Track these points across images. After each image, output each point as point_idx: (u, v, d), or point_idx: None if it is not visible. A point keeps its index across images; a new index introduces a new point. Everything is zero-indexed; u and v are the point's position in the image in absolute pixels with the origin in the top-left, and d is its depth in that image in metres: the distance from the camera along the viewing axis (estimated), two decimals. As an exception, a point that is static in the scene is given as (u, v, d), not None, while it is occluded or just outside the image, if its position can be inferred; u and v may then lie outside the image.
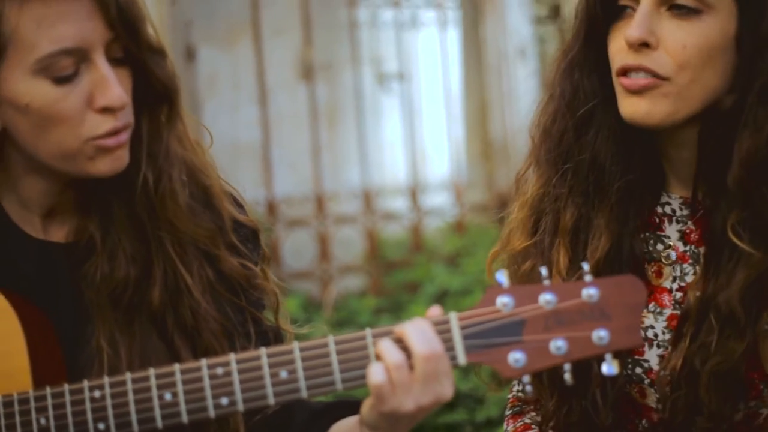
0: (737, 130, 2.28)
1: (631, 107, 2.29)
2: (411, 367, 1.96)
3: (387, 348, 1.97)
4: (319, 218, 6.57)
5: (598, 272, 2.38)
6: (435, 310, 2.01)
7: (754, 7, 2.27)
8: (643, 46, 2.25)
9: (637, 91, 2.27)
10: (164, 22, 5.30)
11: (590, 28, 2.36)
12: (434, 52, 7.56)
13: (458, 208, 7.38)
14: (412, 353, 1.95)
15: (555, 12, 6.90)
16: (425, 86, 7.70)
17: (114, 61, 2.12)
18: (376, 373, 1.96)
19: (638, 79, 2.27)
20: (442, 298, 6.56)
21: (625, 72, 2.28)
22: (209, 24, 6.81)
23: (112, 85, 2.08)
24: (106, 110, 2.09)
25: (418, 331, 1.96)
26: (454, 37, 7.50)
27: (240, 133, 7.03)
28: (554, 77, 2.45)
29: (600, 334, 1.94)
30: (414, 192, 7.13)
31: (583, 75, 2.40)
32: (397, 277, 6.85)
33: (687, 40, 2.25)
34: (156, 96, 2.20)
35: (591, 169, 2.41)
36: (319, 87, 6.71)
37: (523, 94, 7.15)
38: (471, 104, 7.34)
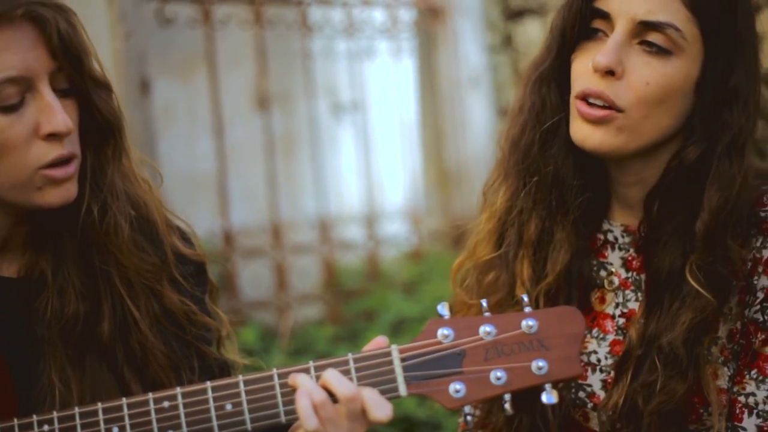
0: (701, 181, 2.33)
1: (582, 134, 2.34)
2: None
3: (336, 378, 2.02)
4: (276, 248, 6.57)
5: (556, 287, 2.43)
6: (380, 341, 2.06)
7: (724, 58, 2.32)
8: (609, 73, 2.30)
9: (592, 121, 2.31)
10: (119, 55, 5.31)
11: (561, 43, 2.40)
12: (389, 82, 7.59)
13: (415, 236, 7.41)
14: (336, 396, 2.00)
15: (507, 41, 6.96)
16: (380, 115, 7.72)
17: (60, 92, 2.16)
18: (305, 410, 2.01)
19: (594, 110, 2.31)
20: (399, 325, 6.57)
21: (584, 96, 2.32)
22: (164, 56, 6.81)
23: (57, 112, 2.11)
24: (52, 137, 2.12)
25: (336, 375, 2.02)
26: (408, 66, 7.53)
27: (196, 164, 7.03)
28: (525, 89, 2.50)
29: (539, 365, 1.98)
30: (370, 221, 7.15)
31: (550, 89, 2.44)
32: (355, 306, 6.86)
33: (651, 77, 2.29)
34: (101, 130, 2.23)
35: (554, 182, 2.46)
36: (274, 117, 6.73)
37: (477, 122, 7.19)
38: (426, 133, 7.38)
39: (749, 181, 2.34)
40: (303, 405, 1.99)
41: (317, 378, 2.02)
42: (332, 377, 2.01)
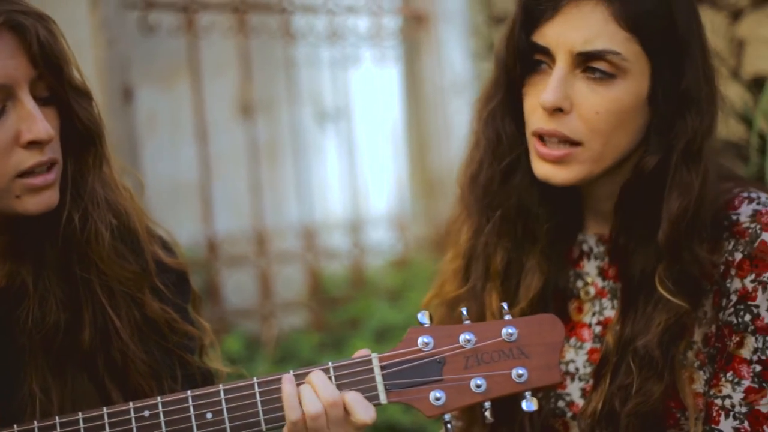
0: (662, 189, 2.33)
1: (545, 173, 2.34)
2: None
3: (307, 395, 2.02)
4: (260, 256, 6.57)
5: (530, 311, 2.44)
6: (363, 353, 2.07)
7: (671, 67, 2.32)
8: (557, 110, 2.30)
9: (553, 161, 2.32)
10: (102, 63, 5.30)
11: (508, 78, 2.40)
12: (373, 89, 7.59)
13: (400, 243, 7.41)
14: (320, 398, 2.01)
15: (492, 48, 6.96)
16: (365, 123, 7.73)
17: (40, 100, 2.16)
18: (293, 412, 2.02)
19: (553, 151, 2.31)
20: (384, 333, 6.57)
21: (539, 136, 2.33)
22: (147, 64, 6.81)
23: (38, 120, 2.12)
24: (33, 144, 2.12)
25: (323, 378, 2.02)
26: (393, 73, 7.53)
27: (179, 172, 7.03)
28: (478, 126, 2.50)
29: (519, 372, 1.99)
30: (355, 228, 7.15)
31: (504, 124, 2.44)
32: (339, 314, 6.86)
33: (600, 105, 2.29)
34: (81, 138, 2.24)
35: (519, 214, 2.46)
36: (258, 125, 6.73)
37: (462, 129, 7.19)
38: (411, 140, 7.38)
39: (712, 185, 2.34)
40: (289, 395, 2.01)
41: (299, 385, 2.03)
42: (317, 380, 2.02)
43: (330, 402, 2.00)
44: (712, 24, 4.45)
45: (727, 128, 4.07)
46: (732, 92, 4.31)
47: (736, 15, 4.50)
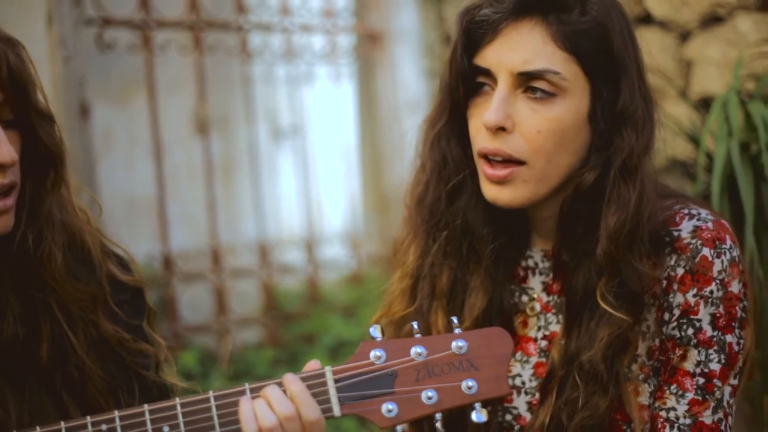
0: (600, 205, 2.37)
1: (492, 194, 2.38)
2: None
3: (261, 410, 2.05)
4: (216, 272, 6.57)
5: (475, 328, 2.47)
6: (313, 364, 2.10)
7: (608, 86, 2.36)
8: (500, 129, 2.34)
9: (498, 182, 2.36)
10: (58, 80, 5.30)
11: (452, 101, 2.44)
12: (328, 107, 7.62)
13: (354, 259, 7.44)
14: (275, 412, 2.04)
15: (445, 66, 6.99)
16: (320, 140, 7.76)
17: (3, 123, 2.17)
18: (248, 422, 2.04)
19: (497, 171, 2.35)
20: (338, 348, 6.59)
21: (484, 156, 2.37)
22: (103, 81, 6.81)
23: (2, 143, 2.13)
24: (-5, 167, 2.14)
25: (278, 393, 2.05)
26: (347, 91, 7.57)
27: (135, 189, 7.03)
28: (423, 148, 2.53)
29: (469, 384, 2.03)
30: (310, 244, 7.17)
31: (450, 146, 2.47)
32: (294, 329, 6.86)
33: (541, 125, 2.33)
34: (42, 161, 2.25)
35: (464, 234, 2.50)
36: (214, 142, 6.73)
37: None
38: (365, 157, 7.41)
39: (650, 201, 2.38)
40: (245, 409, 2.04)
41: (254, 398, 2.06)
42: (272, 395, 2.05)
43: (286, 416, 2.03)
44: (661, 45, 4.52)
45: (675, 147, 4.14)
46: (680, 112, 4.37)
47: (684, 36, 4.55)
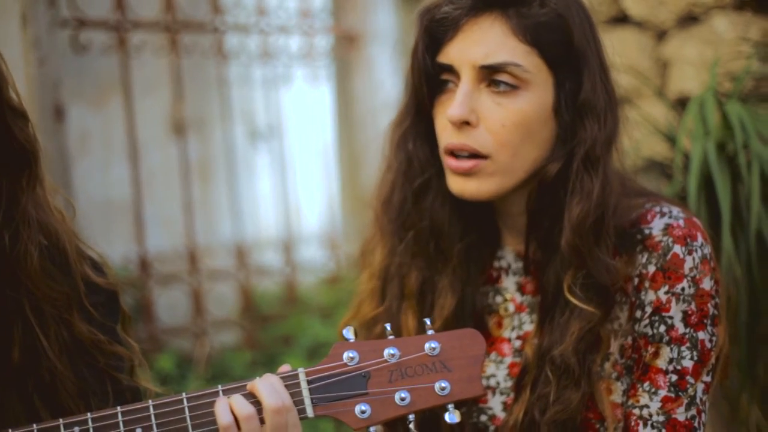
0: (565, 196, 2.38)
1: (457, 186, 2.39)
2: (262, 421, 2.04)
3: (238, 401, 2.05)
4: (193, 274, 6.56)
5: (445, 329, 2.48)
6: (285, 367, 2.10)
7: (571, 78, 2.37)
8: (465, 124, 2.34)
9: (463, 174, 2.36)
10: (33, 82, 5.27)
11: (417, 101, 2.44)
12: (305, 108, 7.62)
13: (332, 261, 7.43)
14: (263, 406, 2.03)
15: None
16: (297, 141, 7.75)
17: (-23, 120, 2.16)
18: (223, 417, 2.04)
19: (462, 163, 2.36)
20: (316, 350, 6.58)
21: (450, 152, 2.37)
22: (79, 83, 6.79)
23: (-26, 141, 2.12)
24: (-31, 166, 2.13)
25: (268, 386, 2.04)
26: (325, 92, 7.56)
27: (111, 191, 7.00)
28: (389, 149, 2.53)
29: (442, 385, 2.03)
30: (287, 246, 7.16)
31: (416, 146, 2.48)
32: (272, 331, 6.86)
33: (506, 118, 2.34)
34: (16, 159, 2.24)
35: (431, 234, 2.50)
36: (190, 143, 6.72)
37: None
38: (343, 158, 7.41)
39: (615, 193, 2.39)
40: (220, 403, 2.04)
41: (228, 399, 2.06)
42: (262, 387, 2.05)
43: (244, 416, 2.03)
44: (638, 44, 4.53)
45: (652, 147, 4.15)
46: (657, 112, 4.38)
47: (660, 36, 4.57)
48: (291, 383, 2.06)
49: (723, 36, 4.36)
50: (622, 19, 4.64)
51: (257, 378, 2.06)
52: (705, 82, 4.22)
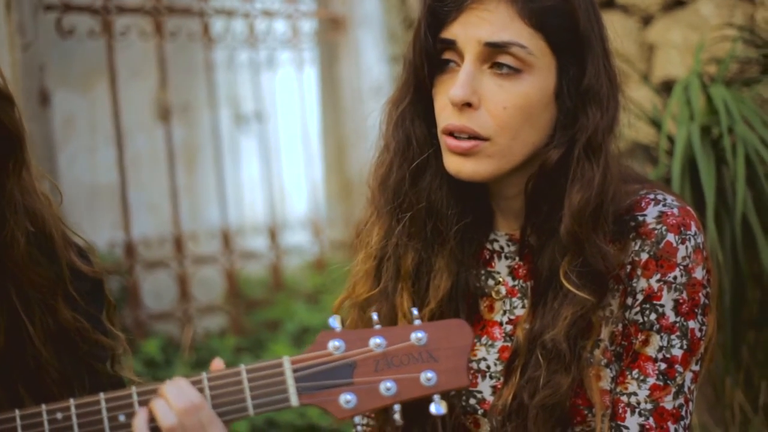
0: (565, 183, 2.37)
1: (455, 166, 2.38)
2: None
3: (159, 407, 2.05)
4: (178, 259, 6.55)
5: (440, 311, 2.47)
6: (217, 364, 2.09)
7: (575, 64, 2.36)
8: (466, 105, 2.33)
9: (461, 153, 2.35)
10: (17, 67, 5.25)
11: (417, 80, 2.43)
12: (291, 92, 7.60)
13: (318, 245, 7.43)
14: (172, 409, 2.03)
15: (408, 52, 6.98)
16: (283, 126, 7.74)
17: (-39, 105, 2.16)
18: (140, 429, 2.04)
19: (461, 143, 2.35)
20: (302, 335, 6.59)
21: (449, 133, 2.36)
22: (64, 67, 6.77)
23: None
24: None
25: (175, 388, 2.04)
26: (310, 76, 7.55)
27: (97, 176, 6.99)
28: (387, 128, 2.52)
29: (428, 376, 2.02)
30: (273, 231, 7.16)
31: (414, 126, 2.46)
32: (258, 316, 6.85)
33: (508, 101, 2.32)
34: (2, 144, 2.23)
35: (428, 215, 2.49)
36: (176, 128, 6.70)
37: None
38: (329, 143, 7.40)
39: (614, 181, 2.39)
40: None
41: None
42: (168, 391, 2.05)
43: (182, 410, 2.04)
44: (624, 29, 4.53)
45: (637, 131, 4.15)
46: (642, 96, 4.39)
47: (646, 20, 4.57)
48: (275, 371, 2.05)
49: (708, 20, 4.37)
50: (608, 3, 4.64)
51: (166, 381, 2.06)
52: (690, 66, 4.22)
